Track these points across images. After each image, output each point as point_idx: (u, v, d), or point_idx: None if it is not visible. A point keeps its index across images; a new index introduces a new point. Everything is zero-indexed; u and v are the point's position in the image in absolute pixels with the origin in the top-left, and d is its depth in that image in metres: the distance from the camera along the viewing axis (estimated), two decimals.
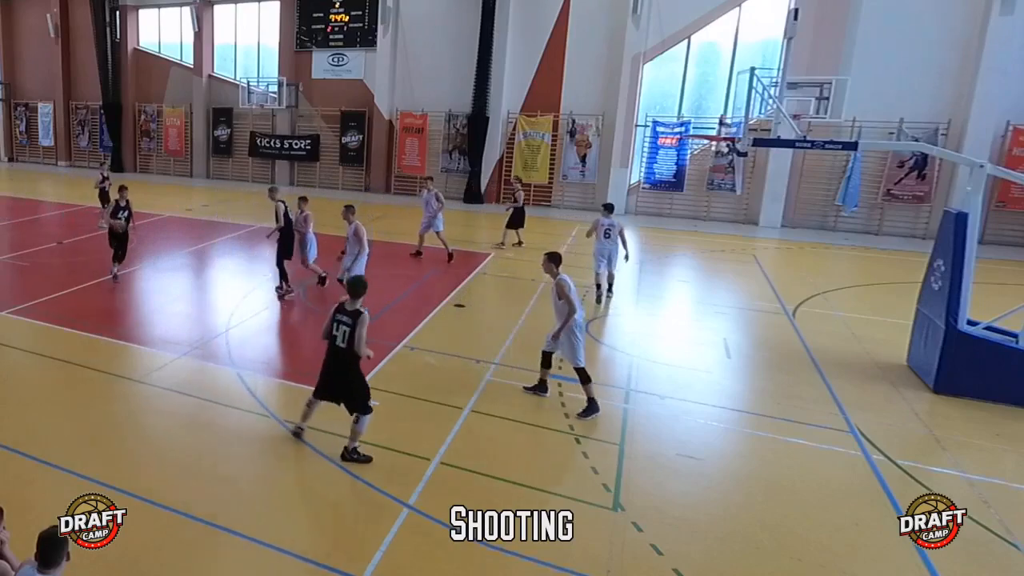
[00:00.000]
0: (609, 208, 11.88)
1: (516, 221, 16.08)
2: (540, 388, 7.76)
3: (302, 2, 26.21)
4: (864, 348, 9.59)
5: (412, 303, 11.35)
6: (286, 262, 11.41)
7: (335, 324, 6.08)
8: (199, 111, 29.08)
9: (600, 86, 21.99)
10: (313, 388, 6.39)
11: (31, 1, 32.10)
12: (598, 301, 11.57)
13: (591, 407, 7.27)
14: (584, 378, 7.32)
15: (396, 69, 24.88)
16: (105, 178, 18.20)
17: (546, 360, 7.69)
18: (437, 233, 14.36)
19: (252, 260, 14.45)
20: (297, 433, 6.59)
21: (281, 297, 11.37)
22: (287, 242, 11.36)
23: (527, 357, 8.76)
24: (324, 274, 11.88)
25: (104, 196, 17.63)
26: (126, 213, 11.91)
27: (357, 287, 6.16)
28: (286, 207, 11.40)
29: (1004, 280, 13.61)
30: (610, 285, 11.85)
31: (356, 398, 6.14)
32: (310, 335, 10.03)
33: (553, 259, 7.57)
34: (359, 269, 10.39)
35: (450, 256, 14.12)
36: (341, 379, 6.15)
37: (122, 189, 12.17)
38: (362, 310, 6.03)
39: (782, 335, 10.23)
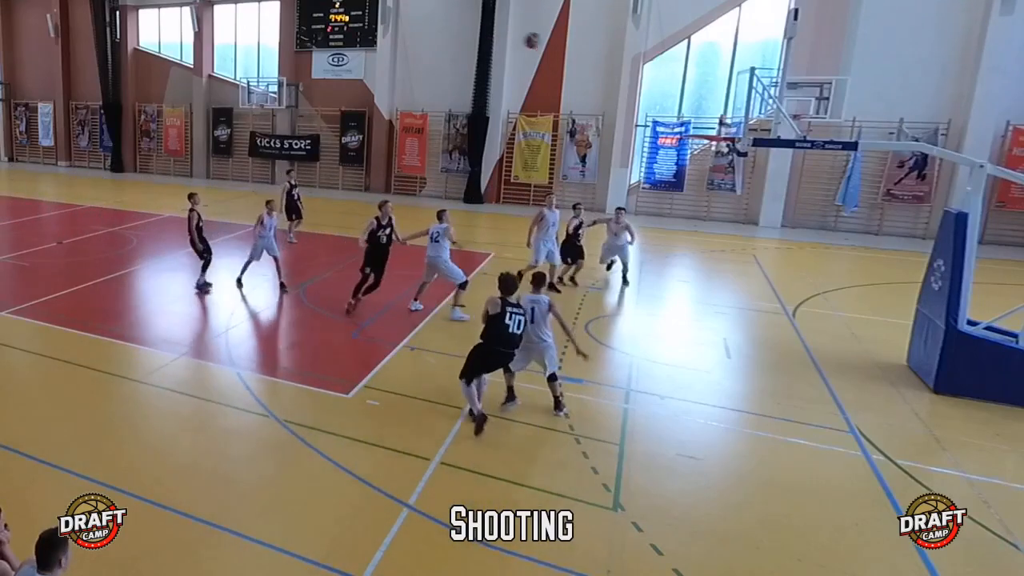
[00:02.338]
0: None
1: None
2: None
3: (302, 2, 26.19)
4: (864, 348, 9.58)
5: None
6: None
7: (509, 315, 6.78)
8: (199, 111, 29.07)
9: (600, 86, 21.98)
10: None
11: (31, 1, 32.09)
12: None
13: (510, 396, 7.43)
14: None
15: (396, 69, 24.87)
16: (293, 185, 16.03)
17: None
18: (554, 265, 12.06)
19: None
20: (482, 419, 6.78)
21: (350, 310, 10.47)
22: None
23: None
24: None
25: (292, 206, 15.80)
26: (388, 231, 10.50)
27: (508, 284, 6.92)
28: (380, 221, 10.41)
29: (1004, 280, 13.61)
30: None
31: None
32: (310, 335, 10.05)
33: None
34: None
35: (553, 287, 11.72)
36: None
37: (383, 204, 10.60)
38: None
39: (782, 335, 10.22)
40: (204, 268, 11.67)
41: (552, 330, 7.24)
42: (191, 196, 11.59)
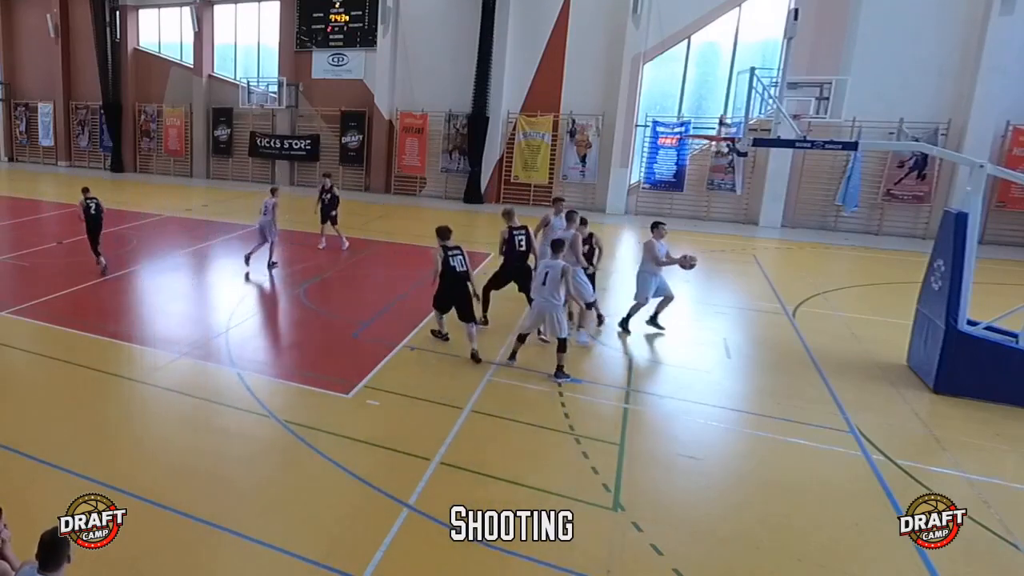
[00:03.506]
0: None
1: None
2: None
3: (302, 2, 26.19)
4: (864, 348, 9.58)
5: (412, 303, 11.32)
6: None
7: (449, 257, 8.53)
8: (199, 111, 29.06)
9: (600, 86, 21.97)
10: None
11: (31, 1, 32.08)
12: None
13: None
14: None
15: (396, 69, 24.86)
16: (326, 190, 15.10)
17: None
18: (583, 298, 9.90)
19: (252, 260, 14.43)
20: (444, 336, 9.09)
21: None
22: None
23: (527, 356, 8.76)
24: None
25: (326, 211, 15.11)
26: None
27: (440, 232, 8.70)
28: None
29: (1004, 280, 13.60)
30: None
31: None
32: (310, 335, 10.05)
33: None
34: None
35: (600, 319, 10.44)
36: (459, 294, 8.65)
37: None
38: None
39: (782, 335, 10.22)
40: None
41: (562, 295, 8.04)
42: (84, 190, 12.89)
